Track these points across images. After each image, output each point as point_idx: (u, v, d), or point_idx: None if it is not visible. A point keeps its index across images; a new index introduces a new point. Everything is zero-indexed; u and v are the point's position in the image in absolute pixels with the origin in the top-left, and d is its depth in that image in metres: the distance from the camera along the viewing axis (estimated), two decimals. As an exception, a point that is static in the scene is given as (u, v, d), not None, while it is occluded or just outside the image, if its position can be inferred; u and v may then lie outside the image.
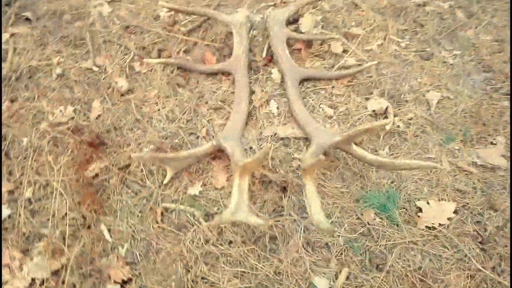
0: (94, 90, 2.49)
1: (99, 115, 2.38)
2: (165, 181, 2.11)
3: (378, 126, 1.90)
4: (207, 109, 2.43)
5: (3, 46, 2.68)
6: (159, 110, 2.41)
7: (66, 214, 2.04)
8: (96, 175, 2.15)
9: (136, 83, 2.54)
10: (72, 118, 2.36)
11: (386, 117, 2.38)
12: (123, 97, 2.47)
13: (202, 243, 1.95)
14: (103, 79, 2.54)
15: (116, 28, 2.79)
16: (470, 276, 1.86)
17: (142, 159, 2.06)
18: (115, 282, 1.87)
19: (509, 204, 2.04)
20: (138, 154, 2.09)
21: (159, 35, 2.76)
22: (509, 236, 1.95)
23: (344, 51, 2.70)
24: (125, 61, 2.62)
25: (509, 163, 2.18)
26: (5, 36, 2.73)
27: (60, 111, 2.35)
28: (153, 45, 2.72)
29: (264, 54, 2.65)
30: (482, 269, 1.87)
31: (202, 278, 1.87)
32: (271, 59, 2.65)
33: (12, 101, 2.44)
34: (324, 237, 1.96)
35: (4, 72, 2.52)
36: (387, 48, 2.74)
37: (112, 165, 2.17)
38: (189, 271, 1.88)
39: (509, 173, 2.15)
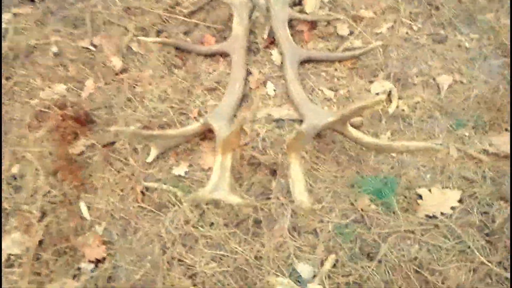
0: (89, 69, 2.44)
1: (90, 94, 2.32)
2: (148, 160, 2.01)
3: (374, 103, 1.74)
4: (202, 90, 2.33)
5: (4, 26, 2.67)
6: (152, 90, 2.33)
7: (48, 191, 1.98)
8: (82, 152, 2.08)
9: (131, 63, 2.47)
10: (64, 96, 2.30)
11: (390, 100, 2.22)
12: (117, 76, 2.40)
13: (182, 224, 1.83)
14: (99, 58, 2.48)
15: (117, 9, 2.74)
16: (473, 269, 1.68)
17: (125, 133, 1.97)
18: (89, 261, 1.78)
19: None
20: (120, 128, 2.01)
21: (159, 17, 2.69)
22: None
23: (351, 33, 2.56)
24: (123, 41, 2.56)
25: (510, 155, 1.98)
26: (7, 15, 2.72)
27: (50, 88, 2.30)
28: (153, 26, 2.64)
29: (265, 36, 2.54)
30: (487, 263, 1.68)
31: (179, 260, 1.75)
32: (273, 41, 2.53)
33: (7, 78, 2.42)
34: (312, 222, 1.81)
35: (3, 50, 2.50)
36: (398, 31, 2.57)
37: (98, 142, 2.09)
38: (165, 252, 1.77)
39: (509, 165, 1.95)
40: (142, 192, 1.93)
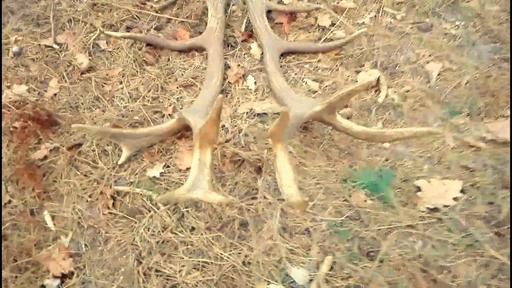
0: (53, 68, 2.23)
1: (54, 94, 2.12)
2: (120, 161, 1.81)
3: (363, 87, 1.60)
4: (177, 87, 2.15)
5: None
6: (122, 88, 2.14)
7: (9, 201, 1.76)
8: (45, 157, 1.87)
9: (99, 61, 2.28)
10: (25, 97, 2.09)
11: (378, 90, 2.08)
12: (83, 75, 2.20)
13: (159, 231, 1.64)
14: (63, 57, 2.28)
15: (83, 6, 2.54)
16: (484, 264, 1.53)
17: (90, 132, 1.77)
18: (54, 276, 1.56)
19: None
20: (84, 125, 1.80)
21: (128, 13, 2.51)
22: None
23: (332, 24, 2.42)
24: (90, 39, 2.36)
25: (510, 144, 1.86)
26: (-39, 16, 2.50)
27: (10, 89, 2.09)
28: (122, 22, 2.46)
29: (242, 29, 2.39)
30: (498, 256, 1.53)
31: (156, 270, 1.55)
32: (251, 34, 2.38)
33: (-39, 82, 2.19)
34: (304, 222, 1.64)
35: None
36: (381, 21, 2.45)
37: (62, 145, 1.88)
38: (141, 262, 1.57)
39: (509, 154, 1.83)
40: (112, 197, 1.73)
